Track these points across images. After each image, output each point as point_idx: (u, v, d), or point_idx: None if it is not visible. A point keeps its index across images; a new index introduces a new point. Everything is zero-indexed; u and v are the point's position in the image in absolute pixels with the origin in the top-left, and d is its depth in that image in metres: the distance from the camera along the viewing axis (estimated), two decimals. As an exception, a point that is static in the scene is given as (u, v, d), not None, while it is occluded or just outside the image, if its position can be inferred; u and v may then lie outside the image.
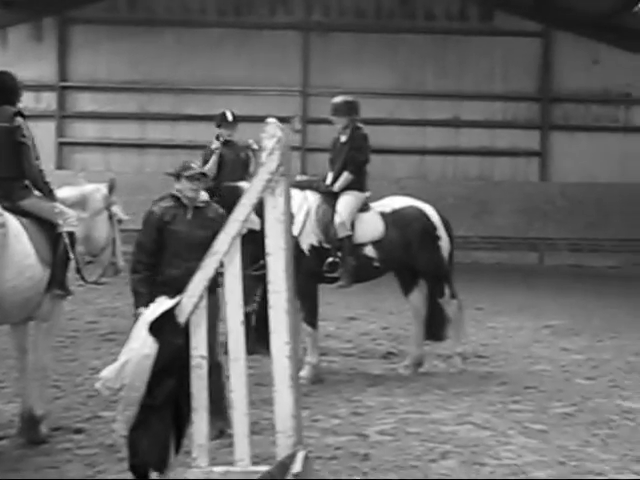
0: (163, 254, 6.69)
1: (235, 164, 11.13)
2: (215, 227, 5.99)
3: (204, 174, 7.08)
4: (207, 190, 9.07)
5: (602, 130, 25.98)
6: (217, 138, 11.37)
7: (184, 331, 5.46)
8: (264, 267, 5.43)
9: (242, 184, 9.40)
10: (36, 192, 6.98)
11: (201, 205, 6.91)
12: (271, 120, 5.41)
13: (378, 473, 6.34)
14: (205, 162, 10.94)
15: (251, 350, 7.37)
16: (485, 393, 8.79)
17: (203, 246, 5.71)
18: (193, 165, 6.95)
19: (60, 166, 24.18)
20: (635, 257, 24.61)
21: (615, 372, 10.05)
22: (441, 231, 9.83)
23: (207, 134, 13.43)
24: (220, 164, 11.11)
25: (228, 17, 25.23)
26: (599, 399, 8.71)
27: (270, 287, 5.32)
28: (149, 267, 6.72)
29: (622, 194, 25.21)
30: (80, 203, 7.46)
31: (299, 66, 25.17)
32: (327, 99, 10.29)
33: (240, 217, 5.36)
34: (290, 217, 5.48)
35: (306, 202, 9.53)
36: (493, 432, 7.42)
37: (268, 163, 5.29)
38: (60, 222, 6.87)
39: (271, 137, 5.30)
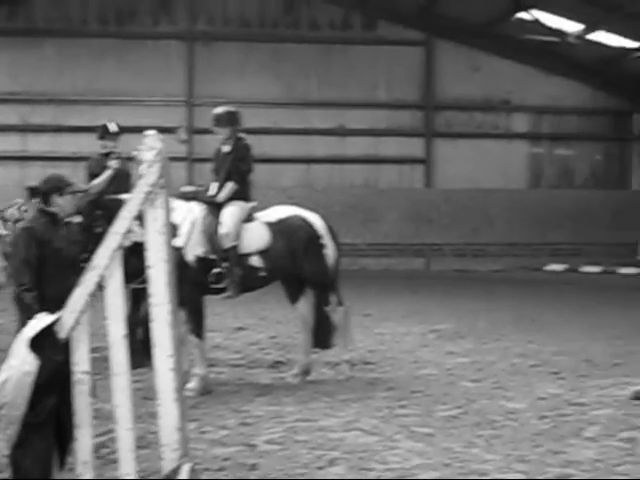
0: (43, 270, 6.55)
1: (120, 176, 10.97)
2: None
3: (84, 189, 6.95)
4: (90, 203, 8.92)
5: (484, 137, 26.60)
6: (106, 155, 11.03)
7: (65, 347, 5.37)
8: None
9: (125, 197, 9.29)
10: None
11: (69, 220, 6.79)
12: (150, 132, 5.37)
13: (266, 483, 6.34)
14: (92, 175, 10.73)
15: (139, 364, 7.29)
16: (372, 399, 8.87)
17: (78, 261, 5.62)
18: (71, 179, 6.81)
19: (-61, 180, 23.58)
20: (518, 261, 25.22)
21: (499, 374, 10.25)
22: (326, 239, 9.88)
23: (90, 145, 13.25)
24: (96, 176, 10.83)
25: (110, 27, 24.97)
26: (484, 401, 8.87)
27: (152, 300, 5.27)
28: (36, 284, 6.58)
29: (505, 199, 25.84)
30: None
31: (183, 76, 25.07)
32: (212, 109, 10.26)
33: (120, 230, 5.30)
34: (171, 229, 5.45)
35: (191, 213, 9.47)
36: (380, 437, 7.48)
37: (148, 175, 5.24)
38: None
39: (150, 149, 5.26)
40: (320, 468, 6.65)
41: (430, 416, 8.24)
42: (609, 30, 23.41)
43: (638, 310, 16.40)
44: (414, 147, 26.22)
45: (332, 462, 6.78)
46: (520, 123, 27.01)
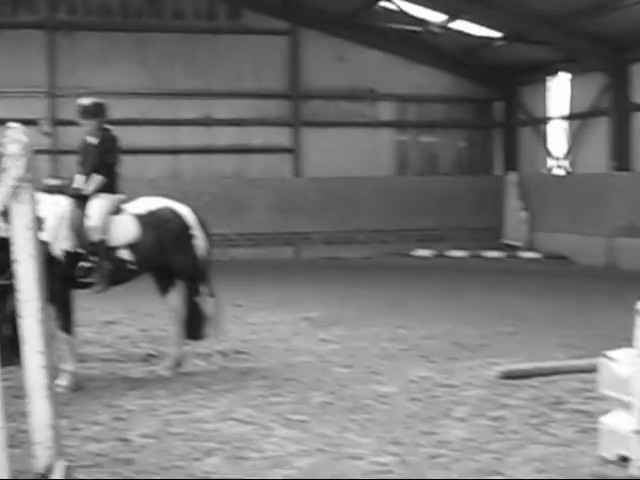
0: None
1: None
2: None
3: None
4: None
5: (351, 125, 26.84)
6: None
7: None
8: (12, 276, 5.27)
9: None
10: None
11: None
12: (14, 124, 5.25)
13: (142, 476, 6.30)
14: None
15: (7, 361, 7.13)
16: (246, 388, 8.90)
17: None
18: None
19: None
20: (385, 247, 25.59)
21: (371, 359, 10.42)
22: (196, 230, 9.84)
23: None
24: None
25: (-33, 16, 24.18)
26: (356, 386, 9.01)
27: (20, 296, 5.16)
28: None
29: (371, 187, 26.17)
30: None
31: (44, 66, 24.52)
32: (76, 100, 10.08)
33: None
34: (38, 223, 5.34)
35: (57, 206, 9.28)
36: (255, 426, 7.52)
37: (12, 169, 5.13)
38: None
39: (14, 142, 5.14)
40: (196, 459, 6.65)
41: (304, 403, 8.33)
42: (471, 20, 23.89)
43: (503, 292, 16.88)
44: (282, 136, 26.29)
45: (208, 453, 6.79)
46: (386, 111, 27.35)
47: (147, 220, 9.58)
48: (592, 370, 7.53)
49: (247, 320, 13.31)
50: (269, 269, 20.80)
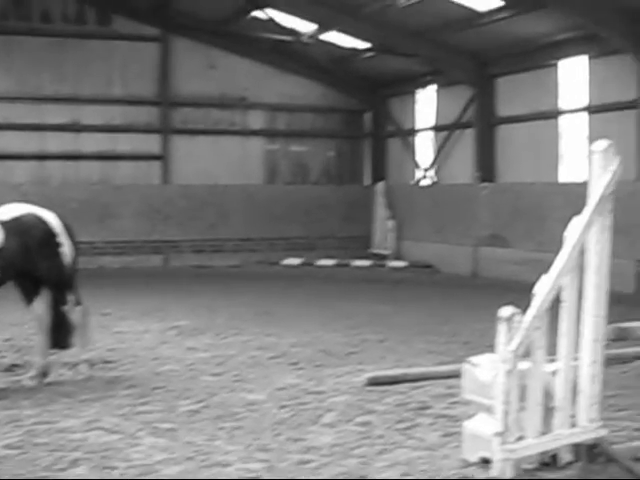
0: None
1: None
2: None
3: None
4: None
5: (221, 133, 26.80)
6: None
7: None
8: None
9: None
10: None
11: None
12: None
13: (5, 488, 6.16)
14: None
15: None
16: (114, 397, 8.79)
17: None
18: None
19: None
20: (255, 256, 25.63)
21: (239, 367, 10.42)
22: (62, 237, 9.65)
23: None
24: None
25: None
26: (225, 394, 9.00)
27: None
28: None
29: (241, 195, 26.20)
30: None
31: None
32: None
33: None
34: None
35: None
36: (122, 435, 7.44)
37: None
38: None
39: None
40: (62, 470, 6.54)
41: (172, 411, 8.28)
42: (341, 31, 24.18)
43: (371, 301, 17.11)
44: (151, 143, 26.04)
45: (74, 463, 6.69)
46: (256, 120, 27.41)
47: (11, 226, 9.35)
48: (456, 376, 7.71)
49: (114, 329, 13.14)
50: (137, 277, 20.60)
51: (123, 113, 25.74)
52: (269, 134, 27.59)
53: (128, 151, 25.74)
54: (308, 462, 6.69)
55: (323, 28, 24.30)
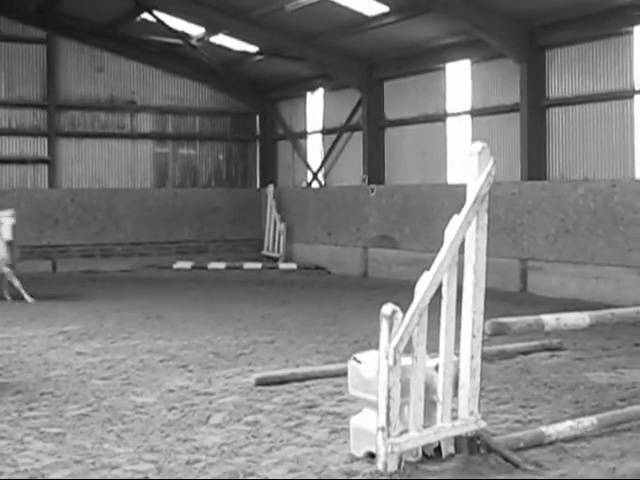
0: None
1: None
2: None
3: None
4: None
5: (110, 137, 26.59)
6: None
7: None
8: None
9: None
10: None
11: None
12: None
13: None
14: None
15: None
16: (0, 403, 8.69)
17: None
18: None
19: None
20: (145, 260, 25.46)
21: (129, 370, 10.40)
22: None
23: None
24: None
25: None
26: (114, 397, 8.98)
27: None
28: None
29: (130, 199, 26.01)
30: None
31: None
32: None
33: None
34: None
35: None
36: (9, 440, 7.38)
37: None
38: None
39: None
40: (-54, 477, 6.47)
41: (60, 416, 8.24)
42: (230, 34, 24.23)
43: (261, 303, 17.21)
44: (37, 147, 25.67)
45: (-42, 469, 6.61)
46: (145, 123, 27.26)
47: None
48: (344, 374, 7.87)
49: (1, 335, 12.95)
50: (26, 283, 20.18)
51: (9, 116, 25.31)
52: (158, 137, 27.47)
53: (14, 155, 25.32)
54: (196, 462, 6.76)
55: (212, 31, 24.33)
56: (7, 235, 17.39)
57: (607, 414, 7.77)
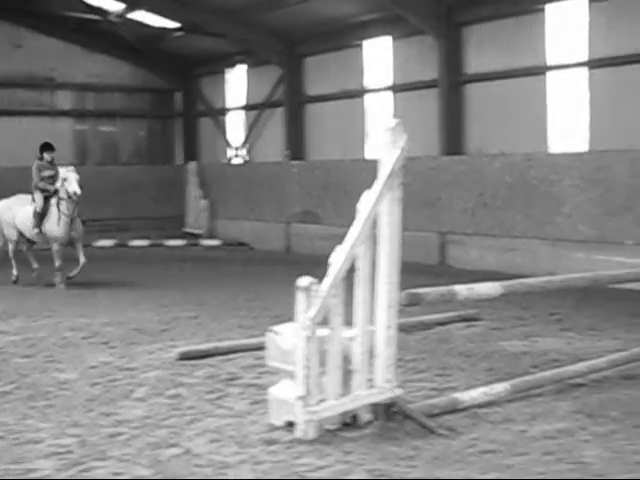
0: None
1: None
2: None
3: None
4: None
5: (28, 114, 26.26)
6: None
7: None
8: None
9: None
10: None
11: None
12: None
13: None
14: None
15: None
16: None
17: None
18: None
19: None
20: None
21: (51, 348, 10.42)
22: None
23: None
24: None
25: None
26: (36, 374, 9.01)
27: None
28: None
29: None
30: None
31: None
32: None
33: None
34: None
35: None
36: None
37: None
38: None
39: None
40: None
41: (-19, 395, 8.26)
42: (149, 10, 24.08)
43: (184, 279, 17.30)
44: (-46, 125, 25.33)
45: None
46: (64, 100, 26.97)
47: None
48: (265, 347, 8.02)
49: None
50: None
51: None
52: (78, 114, 27.23)
53: None
54: (119, 435, 6.86)
55: (131, 7, 24.15)
56: (74, 188, 15.82)
57: (519, 380, 8.06)
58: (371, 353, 6.93)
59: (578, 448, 6.46)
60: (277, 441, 6.62)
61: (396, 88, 21.34)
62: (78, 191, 15.87)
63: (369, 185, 6.89)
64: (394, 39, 21.23)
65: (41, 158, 16.54)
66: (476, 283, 7.63)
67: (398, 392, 7.00)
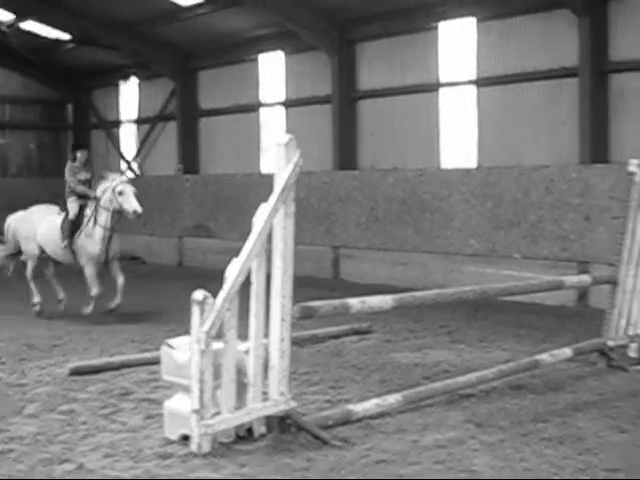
0: None
1: None
2: None
3: None
4: None
5: None
6: None
7: None
8: None
9: None
10: None
11: None
12: None
13: None
14: None
15: None
16: None
17: None
18: None
19: None
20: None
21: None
22: None
23: None
24: None
25: None
26: None
27: None
28: None
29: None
30: None
31: None
32: None
33: None
34: None
35: None
36: None
37: None
38: None
39: None
40: None
41: None
42: (40, 20, 23.73)
43: (75, 294, 17.01)
44: None
45: None
46: (-48, 111, 26.44)
47: None
48: (159, 361, 7.99)
49: None
50: None
51: None
52: (-34, 126, 26.65)
53: None
54: (10, 451, 6.76)
55: (21, 17, 23.76)
56: (135, 206, 13.35)
57: (411, 391, 8.20)
58: (265, 366, 6.98)
59: (468, 457, 6.62)
60: (172, 455, 6.62)
61: (289, 103, 21.49)
62: (139, 209, 13.40)
63: (264, 199, 6.96)
64: (287, 54, 21.38)
65: (74, 159, 14.25)
66: (369, 296, 7.76)
67: (292, 405, 7.07)
